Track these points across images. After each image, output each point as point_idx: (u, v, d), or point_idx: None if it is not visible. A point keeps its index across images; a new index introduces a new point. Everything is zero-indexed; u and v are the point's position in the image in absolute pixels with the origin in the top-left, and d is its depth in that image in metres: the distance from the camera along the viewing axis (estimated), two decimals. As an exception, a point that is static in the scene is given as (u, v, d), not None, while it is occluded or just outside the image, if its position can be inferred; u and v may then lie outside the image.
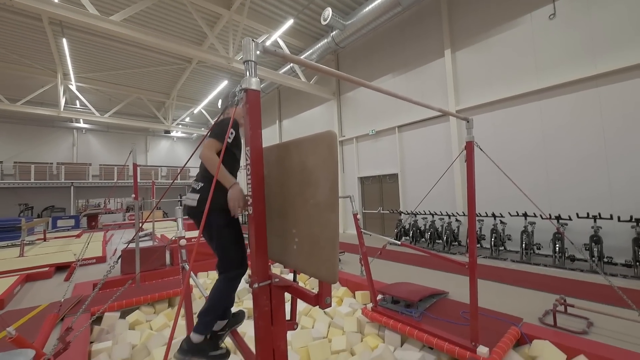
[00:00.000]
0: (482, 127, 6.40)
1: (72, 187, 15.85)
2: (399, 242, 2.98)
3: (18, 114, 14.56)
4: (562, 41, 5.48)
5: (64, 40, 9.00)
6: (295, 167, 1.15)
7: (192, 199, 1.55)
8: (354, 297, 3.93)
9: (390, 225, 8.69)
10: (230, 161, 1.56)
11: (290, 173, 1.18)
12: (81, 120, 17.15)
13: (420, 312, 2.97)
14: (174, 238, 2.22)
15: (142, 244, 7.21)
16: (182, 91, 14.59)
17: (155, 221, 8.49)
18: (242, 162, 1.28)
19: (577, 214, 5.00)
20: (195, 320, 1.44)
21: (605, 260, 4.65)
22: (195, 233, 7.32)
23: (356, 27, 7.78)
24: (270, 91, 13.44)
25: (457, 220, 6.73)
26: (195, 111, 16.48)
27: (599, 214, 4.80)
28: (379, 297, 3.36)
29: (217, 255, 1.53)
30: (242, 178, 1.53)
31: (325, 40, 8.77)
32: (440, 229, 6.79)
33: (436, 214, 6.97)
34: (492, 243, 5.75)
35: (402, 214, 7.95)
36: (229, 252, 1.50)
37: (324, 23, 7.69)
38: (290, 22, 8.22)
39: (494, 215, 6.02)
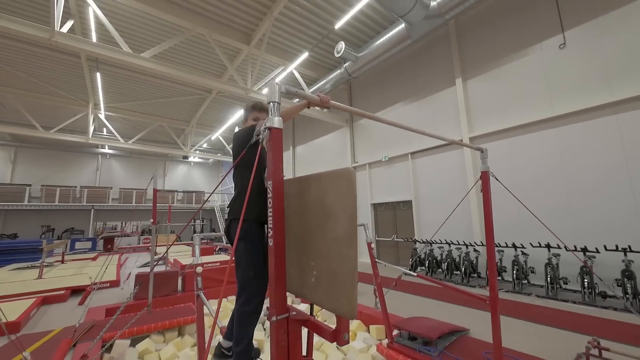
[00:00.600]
0: (497, 153, 6.35)
1: (92, 210, 16.43)
2: (415, 273, 2.90)
3: (50, 141, 15.61)
4: (575, 69, 5.53)
5: (98, 74, 9.80)
6: (315, 201, 1.19)
7: (227, 214, 1.68)
8: (368, 332, 3.77)
9: (404, 254, 8.45)
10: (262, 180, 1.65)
11: (309, 206, 1.22)
12: (106, 146, 18.13)
13: (440, 351, 2.81)
14: (191, 264, 2.26)
15: (156, 269, 7.26)
16: (201, 119, 15.33)
17: (170, 245, 8.57)
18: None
19: (605, 247, 4.74)
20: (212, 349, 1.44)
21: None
22: (210, 258, 7.34)
23: (368, 59, 8.13)
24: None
25: (475, 250, 6.49)
26: (212, 137, 17.16)
27: (629, 247, 4.53)
28: (395, 332, 3.21)
29: (237, 276, 1.53)
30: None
31: (339, 71, 9.17)
32: (457, 260, 6.55)
33: (453, 243, 6.75)
34: (514, 276, 5.47)
35: (417, 243, 7.75)
36: (247, 265, 1.49)
37: (337, 55, 8.09)
38: (305, 55, 8.69)
39: (514, 246, 5.78)
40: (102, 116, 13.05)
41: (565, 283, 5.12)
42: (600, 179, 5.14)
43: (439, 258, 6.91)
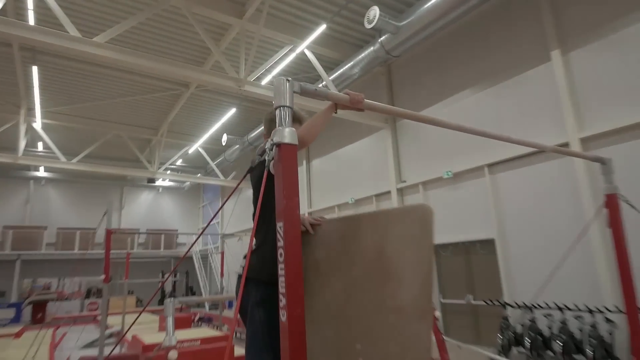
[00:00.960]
0: (630, 162, 6.09)
1: (18, 261, 17.15)
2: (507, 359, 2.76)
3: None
4: None
5: (34, 68, 10.61)
6: (366, 252, 1.19)
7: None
8: None
9: (489, 325, 8.09)
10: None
11: (357, 260, 1.22)
12: (41, 168, 19.20)
13: None
14: (160, 347, 2.28)
15: (108, 351, 7.37)
16: (174, 125, 16.06)
17: (127, 313, 8.73)
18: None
19: None
20: None
21: None
22: (187, 334, 7.38)
23: (414, 29, 8.26)
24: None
25: (607, 320, 6.11)
26: (190, 150, 17.85)
27: None
28: None
29: (246, 348, 1.66)
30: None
31: (372, 48, 9.37)
32: (579, 336, 6.21)
33: (569, 308, 6.41)
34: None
35: (508, 308, 7.42)
36: (268, 351, 1.55)
37: (369, 26, 8.31)
38: (322, 28, 9.01)
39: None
40: (37, 125, 13.94)
41: None
42: None
43: (547, 333, 6.59)
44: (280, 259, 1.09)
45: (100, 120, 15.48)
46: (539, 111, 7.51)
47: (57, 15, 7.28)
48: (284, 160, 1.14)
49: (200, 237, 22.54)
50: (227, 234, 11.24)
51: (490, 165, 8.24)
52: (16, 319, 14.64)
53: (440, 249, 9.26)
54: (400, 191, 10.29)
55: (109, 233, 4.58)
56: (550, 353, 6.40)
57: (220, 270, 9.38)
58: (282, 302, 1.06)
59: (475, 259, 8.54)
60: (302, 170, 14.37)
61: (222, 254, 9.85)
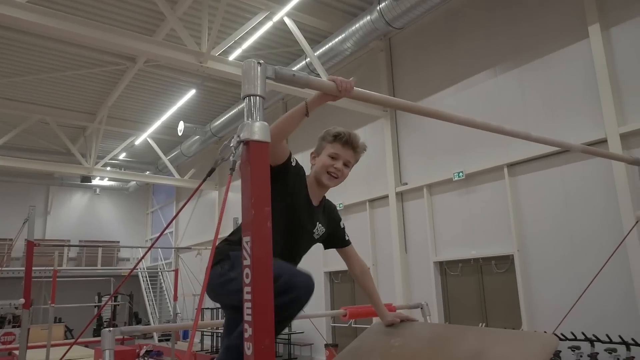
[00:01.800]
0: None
1: None
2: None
3: None
4: None
5: None
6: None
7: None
8: None
9: (504, 359, 8.25)
10: (282, 216, 1.86)
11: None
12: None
13: None
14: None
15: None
16: (116, 108, 15.79)
17: (53, 345, 8.60)
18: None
19: None
20: None
21: None
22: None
23: (421, -4, 8.37)
24: (271, 105, 14.20)
25: (646, 353, 6.32)
26: (137, 142, 17.55)
27: None
28: None
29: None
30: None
31: (368, 17, 9.43)
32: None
33: (600, 340, 6.59)
34: None
35: (527, 338, 7.57)
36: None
37: (365, -9, 8.38)
38: (307, -7, 9.03)
39: None
40: None
41: None
42: None
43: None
44: (247, 280, 1.12)
45: (21, 101, 15.07)
46: (571, 96, 7.63)
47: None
48: (253, 161, 1.18)
49: (149, 251, 22.31)
50: (182, 248, 11.11)
51: (510, 165, 8.37)
52: None
53: (448, 266, 9.39)
54: (400, 195, 10.36)
55: (30, 245, 4.53)
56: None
57: (173, 292, 9.29)
58: (248, 332, 1.09)
59: (489, 279, 8.69)
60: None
61: (177, 271, 9.76)
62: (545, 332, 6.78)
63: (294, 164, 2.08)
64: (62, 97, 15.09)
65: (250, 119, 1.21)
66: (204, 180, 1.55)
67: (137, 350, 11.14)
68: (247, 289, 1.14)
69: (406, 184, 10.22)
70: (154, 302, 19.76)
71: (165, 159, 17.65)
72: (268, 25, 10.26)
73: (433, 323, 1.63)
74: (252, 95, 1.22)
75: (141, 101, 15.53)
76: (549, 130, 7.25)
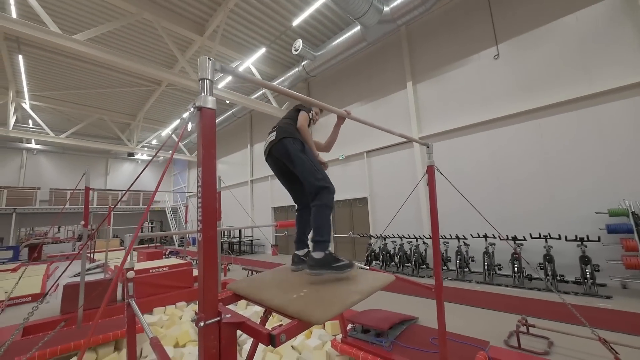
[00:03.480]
0: (442, 153, 6.77)
1: (14, 214, 14.10)
2: (368, 267, 2.91)
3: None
4: (505, 78, 6.13)
5: (20, 57, 8.42)
6: None
7: (271, 136, 1.83)
8: (324, 328, 3.73)
9: (361, 249, 8.63)
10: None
11: None
12: (33, 141, 15.74)
13: (391, 341, 2.86)
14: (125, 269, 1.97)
15: (91, 277, 6.43)
16: (149, 113, 14.08)
17: (110, 251, 7.66)
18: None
19: (530, 235, 5.31)
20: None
21: (558, 278, 4.92)
22: (158, 263, 6.71)
23: (326, 58, 8.14)
24: (243, 115, 13.40)
25: (424, 242, 6.86)
26: (163, 134, 15.88)
27: (549, 234, 5.13)
28: (349, 326, 3.20)
29: (303, 179, 1.71)
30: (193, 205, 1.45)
31: (297, 69, 9.04)
32: (408, 252, 6.86)
33: (404, 237, 7.06)
34: (457, 265, 5.89)
35: (372, 238, 7.96)
36: (314, 171, 1.69)
37: (295, 53, 7.97)
38: (262, 51, 8.42)
39: (457, 238, 6.22)
40: (26, 105, 11.25)
41: (500, 269, 5.64)
42: (524, 176, 5.76)
43: (392, 252, 7.18)
44: (199, 194, 0.93)
45: (85, 105, 12.95)
46: (398, 118, 7.83)
47: (36, 11, 5.78)
48: (205, 121, 0.97)
49: (171, 195, 20.56)
50: (191, 194, 10.29)
51: (368, 152, 8.55)
52: (15, 258, 11.97)
53: (336, 203, 9.55)
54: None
55: (87, 190, 3.87)
56: (393, 263, 7.03)
57: (184, 220, 8.65)
58: (199, 227, 0.91)
59: (355, 209, 8.94)
60: (247, 152, 13.65)
61: (187, 207, 9.06)
62: (381, 235, 6.97)
63: (311, 118, 2.08)
64: (113, 104, 13.10)
65: (203, 94, 0.98)
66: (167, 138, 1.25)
67: (163, 251, 10.28)
68: (199, 201, 0.94)
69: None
70: (175, 226, 18.33)
71: (180, 145, 16.13)
72: (241, 68, 9.50)
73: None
74: (205, 79, 0.99)
75: (164, 109, 13.92)
76: (387, 135, 7.48)
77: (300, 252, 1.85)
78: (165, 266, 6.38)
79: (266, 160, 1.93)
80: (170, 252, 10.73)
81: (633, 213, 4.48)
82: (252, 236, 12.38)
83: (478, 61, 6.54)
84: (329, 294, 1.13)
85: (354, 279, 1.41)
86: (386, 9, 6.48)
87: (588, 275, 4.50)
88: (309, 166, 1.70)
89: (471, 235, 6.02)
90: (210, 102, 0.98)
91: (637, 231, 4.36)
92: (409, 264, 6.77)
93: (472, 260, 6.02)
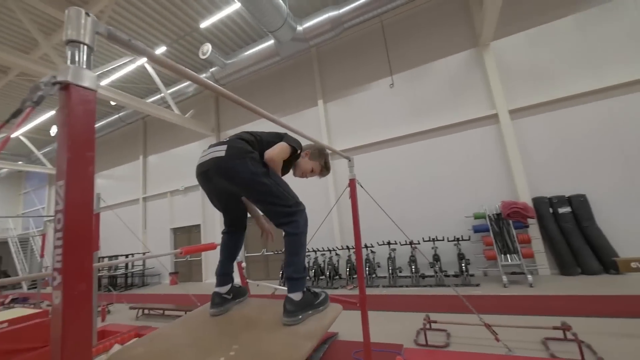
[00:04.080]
0: (361, 162, 7.27)
1: None
2: (285, 287, 2.71)
3: None
4: (399, 104, 7.14)
5: None
6: None
7: (218, 150, 1.41)
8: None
9: (275, 267, 8.30)
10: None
11: None
12: None
13: (316, 364, 2.69)
14: None
15: None
16: (-15, 108, 10.33)
17: None
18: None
19: (423, 238, 6.17)
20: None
21: (444, 273, 5.82)
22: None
23: (237, 67, 7.76)
24: (134, 121, 11.35)
25: (336, 254, 7.09)
26: (12, 135, 11.84)
27: (436, 237, 6.07)
28: (270, 356, 2.88)
29: (266, 210, 1.43)
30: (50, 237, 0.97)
31: (204, 75, 8.29)
32: (322, 265, 6.95)
33: (319, 250, 7.15)
34: (367, 272, 6.28)
35: (287, 253, 7.74)
36: (284, 197, 1.40)
37: (202, 57, 7.30)
38: (162, 49, 7.42)
39: (366, 246, 6.68)
40: None
41: (400, 272, 6.31)
42: (417, 188, 6.73)
43: (307, 266, 7.12)
44: (58, 225, 0.56)
45: None
46: (311, 133, 8.07)
47: None
48: (76, 108, 0.61)
49: (19, 221, 15.49)
50: (51, 218, 7.87)
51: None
52: None
53: (248, 220, 8.96)
54: (221, 181, 9.49)
55: None
56: (308, 278, 6.95)
57: (40, 251, 6.46)
58: (57, 280, 0.54)
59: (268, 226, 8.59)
60: (139, 163, 11.55)
61: (44, 236, 6.82)
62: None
63: (297, 154, 1.76)
64: None
65: (73, 65, 0.63)
66: (2, 125, 0.82)
67: (1, 300, 7.39)
68: (58, 234, 0.58)
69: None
70: (23, 261, 13.70)
71: (37, 153, 12.32)
72: (132, 66, 8.06)
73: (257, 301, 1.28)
74: (78, 42, 0.64)
75: (10, 105, 10.47)
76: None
77: (223, 289, 1.48)
78: (2, 322, 4.51)
79: (198, 177, 1.49)
80: (13, 299, 7.78)
81: (488, 216, 5.75)
82: (144, 265, 10.34)
83: (378, 87, 7.43)
84: (270, 345, 0.86)
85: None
86: (299, 28, 6.69)
87: (464, 269, 5.49)
88: (277, 192, 1.39)
89: (377, 243, 6.56)
90: (87, 79, 0.63)
91: (491, 230, 5.61)
92: (323, 277, 6.84)
93: (378, 266, 6.55)
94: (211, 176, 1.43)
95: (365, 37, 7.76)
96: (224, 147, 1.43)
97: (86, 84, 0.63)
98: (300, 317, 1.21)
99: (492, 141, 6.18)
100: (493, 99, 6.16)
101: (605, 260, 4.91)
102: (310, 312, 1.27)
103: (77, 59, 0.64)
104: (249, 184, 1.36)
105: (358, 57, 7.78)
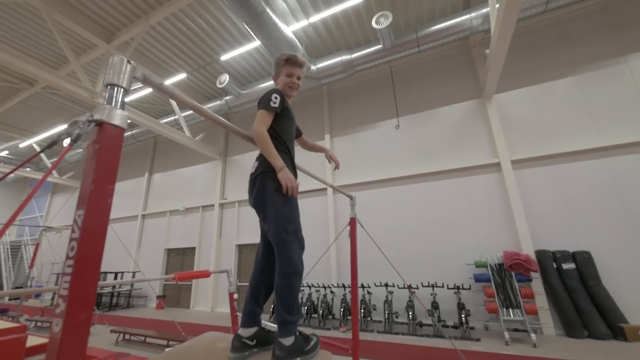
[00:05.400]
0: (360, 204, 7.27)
1: None
2: (275, 325, 2.60)
3: None
4: (404, 145, 7.32)
5: None
6: None
7: (253, 169, 1.50)
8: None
9: (269, 299, 7.96)
10: (281, 135, 1.52)
11: None
12: None
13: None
14: None
15: None
16: (6, 116, 10.77)
17: None
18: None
19: (422, 283, 5.97)
20: None
21: (442, 324, 5.54)
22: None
23: (250, 98, 8.16)
24: (145, 139, 11.70)
25: (331, 292, 6.85)
26: (22, 144, 12.23)
27: (435, 283, 5.88)
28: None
29: (269, 233, 1.38)
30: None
31: (219, 102, 8.71)
32: (316, 302, 6.68)
33: (313, 285, 6.92)
34: (362, 314, 6.01)
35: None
36: (286, 221, 1.35)
37: (219, 86, 7.71)
38: (182, 76, 7.87)
39: (362, 286, 6.46)
40: None
41: (397, 317, 6.02)
42: (418, 229, 6.66)
43: (300, 302, 6.84)
44: (71, 253, 0.59)
45: None
46: (317, 166, 7.93)
47: None
48: (105, 143, 0.68)
49: (16, 228, 15.35)
50: (49, 227, 7.79)
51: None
52: None
53: (243, 247, 8.84)
54: (222, 206, 9.51)
55: None
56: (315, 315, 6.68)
57: (31, 261, 6.31)
58: (60, 308, 0.55)
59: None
60: (144, 180, 11.71)
61: (37, 245, 6.72)
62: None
63: (277, 105, 1.51)
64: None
65: (109, 105, 0.71)
66: (35, 155, 0.88)
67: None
68: (69, 262, 0.61)
69: (226, 199, 9.44)
70: (10, 269, 13.38)
71: (47, 161, 12.62)
72: (150, 90, 8.51)
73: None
74: (116, 86, 0.72)
75: (33, 115, 10.86)
76: (304, 181, 7.68)
77: (246, 332, 1.36)
78: (-24, 334, 4.30)
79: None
80: (-7, 309, 7.48)
81: (490, 265, 5.61)
82: (132, 285, 10.03)
83: (384, 127, 7.69)
84: None
85: None
86: (313, 67, 7.13)
87: (463, 320, 5.23)
88: (281, 211, 1.34)
89: (374, 284, 6.36)
90: (118, 118, 0.70)
91: (493, 280, 5.44)
92: (316, 315, 6.55)
93: (374, 309, 6.27)
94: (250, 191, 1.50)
95: (374, 80, 8.20)
96: (256, 163, 1.51)
97: (117, 122, 0.70)
98: None
99: (494, 189, 6.23)
100: (496, 148, 6.32)
101: (612, 325, 4.67)
102: (302, 357, 1.19)
103: (113, 100, 0.71)
104: (265, 199, 1.38)
105: (366, 97, 8.16)
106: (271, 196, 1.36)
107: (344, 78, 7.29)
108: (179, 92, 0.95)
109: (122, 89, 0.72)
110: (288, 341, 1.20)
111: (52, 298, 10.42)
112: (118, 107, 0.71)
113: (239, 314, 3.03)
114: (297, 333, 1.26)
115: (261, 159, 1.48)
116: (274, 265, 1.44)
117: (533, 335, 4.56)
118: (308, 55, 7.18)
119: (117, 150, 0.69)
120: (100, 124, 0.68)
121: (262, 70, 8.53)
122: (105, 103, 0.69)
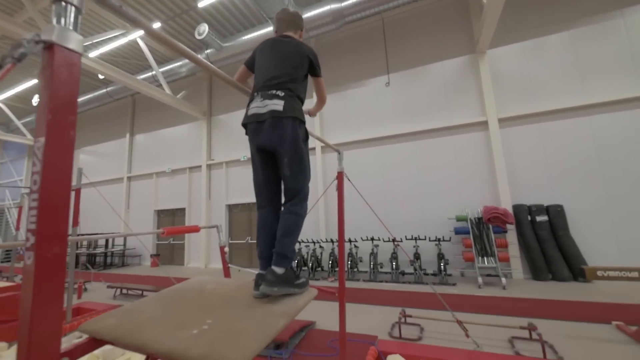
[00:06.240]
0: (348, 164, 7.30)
1: None
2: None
3: None
4: (394, 103, 7.18)
5: None
6: None
7: (275, 104, 1.41)
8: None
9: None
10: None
11: None
12: None
13: (290, 352, 2.74)
14: None
15: None
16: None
17: None
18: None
19: (405, 236, 6.29)
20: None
21: (423, 272, 5.97)
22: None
23: (234, 52, 7.60)
24: (122, 98, 10.99)
25: (320, 246, 7.16)
26: (-15, 103, 11.30)
27: (418, 236, 6.21)
28: (247, 341, 2.91)
29: (288, 181, 1.45)
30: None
31: (199, 56, 8.06)
32: (306, 256, 7.00)
33: (303, 241, 7.19)
34: (349, 266, 6.38)
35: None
36: (307, 171, 1.48)
37: (198, 38, 7.11)
38: (157, 25, 7.15)
39: (349, 240, 6.76)
40: None
41: (382, 267, 6.43)
42: (404, 188, 6.83)
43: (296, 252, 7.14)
44: (34, 187, 0.55)
45: None
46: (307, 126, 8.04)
47: None
48: (59, 69, 0.59)
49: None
50: (28, 189, 7.56)
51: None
52: None
53: (233, 207, 8.93)
54: (209, 167, 9.37)
55: None
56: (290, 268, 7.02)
57: (15, 226, 6.22)
58: (30, 241, 0.53)
59: (254, 214, 8.47)
60: (124, 142, 11.24)
61: (20, 208, 6.58)
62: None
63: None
64: None
65: (59, 25, 0.61)
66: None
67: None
68: (33, 195, 0.57)
69: (213, 160, 9.27)
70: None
71: (17, 122, 11.75)
72: (124, 40, 7.76)
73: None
74: (66, 2, 0.62)
75: (-7, 70, 9.91)
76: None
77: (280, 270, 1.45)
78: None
79: (250, 127, 1.49)
80: (-16, 270, 7.51)
81: (470, 219, 5.91)
82: (124, 245, 10.16)
83: (374, 85, 7.43)
84: (244, 321, 0.88)
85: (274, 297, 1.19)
86: (300, 17, 6.58)
87: (442, 268, 5.65)
88: (307, 162, 1.48)
89: (361, 238, 6.66)
90: (73, 41, 0.61)
91: (472, 232, 5.78)
92: (306, 268, 6.91)
93: (360, 261, 6.66)
94: (265, 129, 1.42)
95: (365, 34, 7.72)
96: (281, 100, 1.42)
97: (71, 45, 0.61)
98: (276, 289, 1.20)
99: (480, 147, 6.32)
100: (484, 106, 6.27)
101: (575, 268, 5.15)
102: (291, 289, 1.27)
103: (63, 19, 0.62)
104: (294, 147, 1.41)
105: (356, 53, 7.74)
106: (302, 144, 1.46)
107: (334, 30, 6.81)
108: (143, 20, 0.84)
109: (72, 6, 0.62)
110: (280, 270, 1.30)
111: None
112: (70, 27, 0.62)
113: (231, 266, 3.15)
114: (289, 266, 1.35)
115: (292, 102, 1.44)
116: (279, 210, 1.54)
117: (503, 279, 5.00)
118: (294, 3, 6.57)
119: (74, 78, 0.61)
120: (50, 46, 0.59)
121: (245, 20, 7.83)
122: (54, 21, 0.60)
